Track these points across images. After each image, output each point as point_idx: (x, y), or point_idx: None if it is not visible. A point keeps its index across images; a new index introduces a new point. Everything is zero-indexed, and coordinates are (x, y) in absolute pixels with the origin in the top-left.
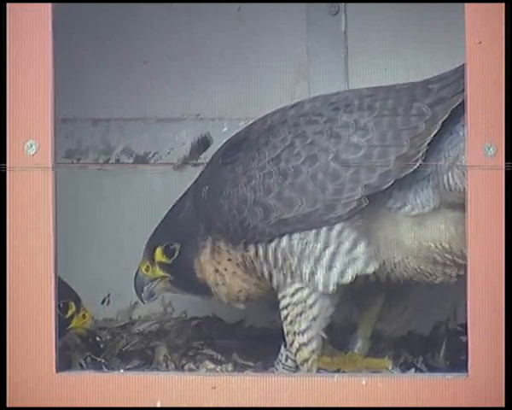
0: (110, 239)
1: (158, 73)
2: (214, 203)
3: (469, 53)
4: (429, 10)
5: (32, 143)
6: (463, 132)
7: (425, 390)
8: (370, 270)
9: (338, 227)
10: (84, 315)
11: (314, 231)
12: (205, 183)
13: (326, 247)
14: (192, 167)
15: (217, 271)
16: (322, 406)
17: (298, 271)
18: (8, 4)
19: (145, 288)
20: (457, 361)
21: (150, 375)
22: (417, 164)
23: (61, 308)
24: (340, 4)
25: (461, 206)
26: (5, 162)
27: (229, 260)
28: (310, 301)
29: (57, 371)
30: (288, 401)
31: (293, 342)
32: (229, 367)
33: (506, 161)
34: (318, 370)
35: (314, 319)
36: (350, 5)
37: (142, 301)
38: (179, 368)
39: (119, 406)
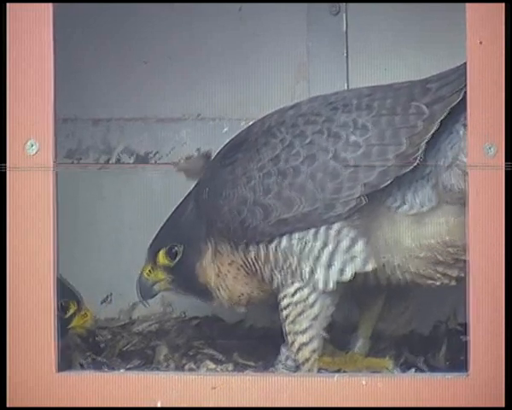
0: (110, 239)
1: (158, 73)
2: (214, 204)
3: (470, 53)
4: (430, 10)
5: (32, 143)
6: (463, 131)
7: (425, 390)
8: (369, 268)
9: (337, 226)
10: (85, 313)
11: (313, 230)
12: (206, 184)
13: (325, 245)
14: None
15: (218, 274)
16: (322, 406)
17: (298, 270)
18: (8, 4)
19: (148, 290)
20: (457, 361)
21: (150, 375)
22: (416, 162)
23: (63, 307)
24: (340, 4)
25: (460, 201)
26: (5, 162)
27: (231, 263)
28: (310, 301)
29: (57, 371)
30: (288, 401)
31: (293, 341)
32: (230, 367)
33: (506, 161)
34: (319, 370)
35: (315, 318)
36: (351, 5)
37: (145, 304)
38: (180, 368)
39: (119, 406)
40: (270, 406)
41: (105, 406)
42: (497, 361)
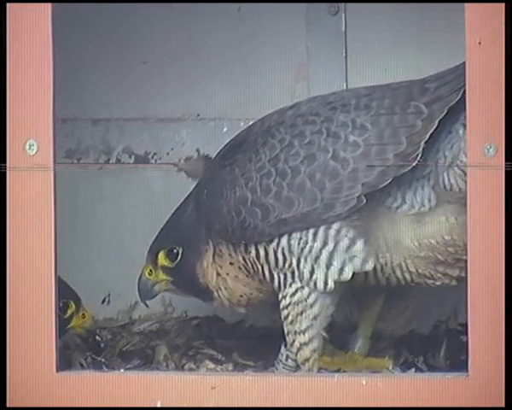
0: (110, 239)
1: (158, 73)
2: (214, 205)
3: (469, 53)
4: (429, 10)
5: (32, 143)
6: (463, 131)
7: (425, 390)
8: (369, 267)
9: (336, 226)
10: (83, 315)
11: (313, 230)
12: (205, 185)
13: (324, 245)
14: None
15: (219, 275)
16: (322, 406)
17: (297, 270)
18: (8, 4)
19: (148, 291)
20: (457, 361)
21: (150, 375)
22: (415, 162)
23: (61, 308)
24: (339, 4)
25: (460, 200)
26: (5, 162)
27: (231, 263)
28: (310, 300)
29: (57, 371)
30: (288, 401)
31: (293, 341)
32: (230, 367)
33: (506, 161)
34: (319, 369)
35: (315, 318)
36: (350, 5)
37: (147, 305)
38: (179, 368)
39: (119, 406)
40: (270, 406)
41: (105, 406)
42: (497, 361)
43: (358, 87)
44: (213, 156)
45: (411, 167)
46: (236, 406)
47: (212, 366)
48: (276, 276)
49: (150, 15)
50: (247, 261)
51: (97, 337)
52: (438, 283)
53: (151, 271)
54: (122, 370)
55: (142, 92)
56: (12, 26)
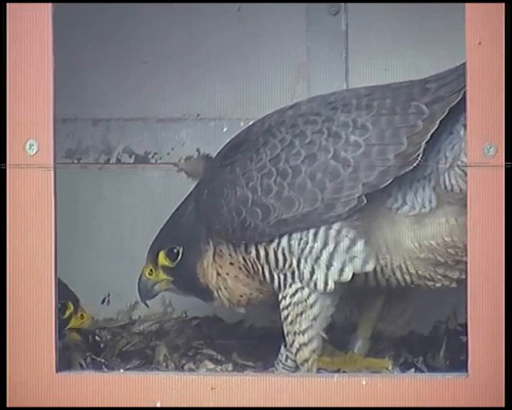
0: (110, 239)
1: (158, 73)
2: (215, 205)
3: (469, 53)
4: (429, 10)
5: (32, 143)
6: (463, 132)
7: (425, 390)
8: (369, 268)
9: (337, 226)
10: (82, 315)
11: (313, 231)
12: (206, 185)
13: (325, 246)
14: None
15: (219, 275)
16: (322, 406)
17: (298, 270)
18: (8, 4)
19: (149, 291)
20: (457, 361)
21: (150, 375)
22: (416, 162)
23: (59, 309)
24: (340, 4)
25: (461, 202)
26: (5, 162)
27: (232, 263)
28: (310, 301)
29: (57, 371)
30: (288, 401)
31: (293, 342)
32: (230, 367)
33: (506, 160)
34: (318, 370)
35: (315, 318)
36: (350, 5)
37: (147, 305)
38: (179, 368)
39: (119, 406)
40: (270, 406)
41: (105, 406)
42: (497, 361)
43: (358, 87)
44: (214, 156)
45: (412, 168)
46: (236, 406)
47: (211, 366)
48: (276, 276)
49: (150, 15)
50: (248, 261)
51: (97, 338)
52: (438, 284)
53: (151, 271)
54: (122, 370)
55: (142, 92)
56: (12, 26)
